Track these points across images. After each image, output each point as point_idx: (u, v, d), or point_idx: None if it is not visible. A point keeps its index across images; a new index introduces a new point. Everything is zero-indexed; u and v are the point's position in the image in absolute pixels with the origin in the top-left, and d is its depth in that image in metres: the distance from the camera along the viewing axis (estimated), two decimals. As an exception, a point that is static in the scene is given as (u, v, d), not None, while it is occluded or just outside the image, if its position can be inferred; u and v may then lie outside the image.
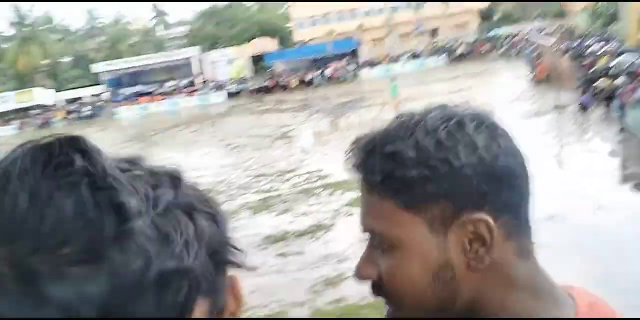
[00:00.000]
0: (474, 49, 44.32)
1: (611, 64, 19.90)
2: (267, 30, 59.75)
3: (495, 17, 54.72)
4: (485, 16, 57.64)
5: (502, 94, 22.88)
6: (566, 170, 11.98)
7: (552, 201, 9.59)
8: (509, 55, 39.55)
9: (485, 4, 55.12)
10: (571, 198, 9.81)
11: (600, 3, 38.19)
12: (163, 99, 48.55)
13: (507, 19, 57.57)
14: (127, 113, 47.78)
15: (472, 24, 55.09)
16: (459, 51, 44.58)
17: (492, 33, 50.31)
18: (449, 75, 34.27)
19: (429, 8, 54.89)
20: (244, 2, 79.83)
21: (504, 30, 50.37)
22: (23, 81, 63.90)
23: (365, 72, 45.29)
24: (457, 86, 27.95)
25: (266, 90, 46.16)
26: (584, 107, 16.70)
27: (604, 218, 8.57)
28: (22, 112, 51.93)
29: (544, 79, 23.33)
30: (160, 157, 21.36)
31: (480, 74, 32.11)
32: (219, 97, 46.65)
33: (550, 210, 8.95)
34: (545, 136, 14.43)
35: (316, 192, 12.21)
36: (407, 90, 30.70)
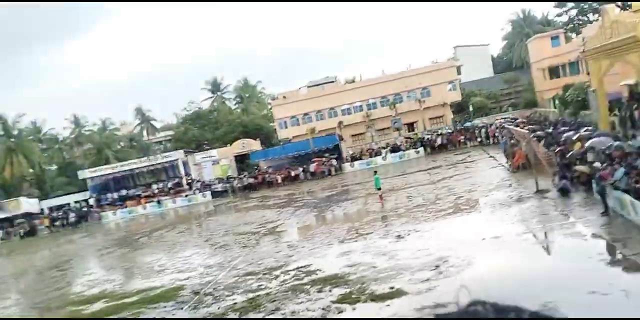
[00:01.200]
0: (451, 140, 45.61)
1: (586, 148, 20.56)
2: (250, 131, 61.34)
3: (469, 109, 56.91)
4: (459, 109, 60.00)
5: (482, 182, 23.30)
6: (553, 255, 12.00)
7: (542, 289, 9.53)
8: (486, 145, 40.70)
9: (459, 98, 57.60)
10: (563, 284, 9.76)
11: (569, 91, 40.03)
12: (149, 201, 48.50)
13: (480, 111, 59.88)
14: (113, 217, 47.45)
15: (447, 117, 57.17)
16: (437, 143, 45.79)
17: (467, 124, 52.06)
18: (429, 166, 34.97)
19: (405, 104, 57.21)
20: (227, 106, 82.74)
21: (479, 122, 52.22)
22: (8, 191, 63.80)
23: (347, 166, 46.06)
24: (438, 176, 28.46)
25: (252, 187, 46.48)
26: (564, 192, 17.00)
27: (598, 301, 8.48)
28: (7, 222, 51.30)
29: (521, 166, 23.95)
30: (145, 260, 21.00)
31: (459, 163, 32.86)
32: (205, 196, 46.78)
33: (544, 296, 8.86)
34: (527, 222, 14.58)
35: (305, 289, 11.97)
36: (391, 181, 31.21)
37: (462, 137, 45.20)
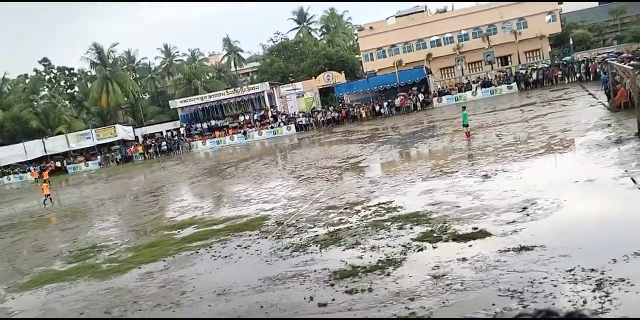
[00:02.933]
0: (548, 75, 42.98)
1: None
2: (335, 63, 60.61)
3: (569, 43, 53.02)
4: (558, 42, 56.07)
5: (578, 121, 21.94)
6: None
7: (637, 237, 8.96)
8: (585, 82, 38.10)
9: (558, 30, 53.63)
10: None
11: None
12: (236, 132, 49.91)
13: (581, 44, 55.68)
14: (202, 147, 49.42)
15: (545, 50, 53.68)
16: (532, 78, 43.34)
17: (566, 58, 48.73)
18: (522, 103, 33.33)
19: (499, 36, 54.12)
20: (313, 37, 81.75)
21: (579, 56, 48.70)
22: (105, 118, 67.64)
23: (435, 101, 44.84)
24: (531, 114, 27.09)
25: (335, 121, 46.52)
26: (670, 134, 15.72)
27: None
28: (104, 147, 54.80)
29: (623, 105, 22.23)
30: (232, 189, 21.80)
31: (555, 101, 31.04)
32: (290, 129, 47.46)
33: (638, 244, 8.35)
34: (626, 166, 13.62)
35: (385, 225, 11.96)
36: (480, 117, 30.14)
37: (560, 72, 42.48)
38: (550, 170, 14.97)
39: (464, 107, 24.69)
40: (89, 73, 75.38)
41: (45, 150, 54.82)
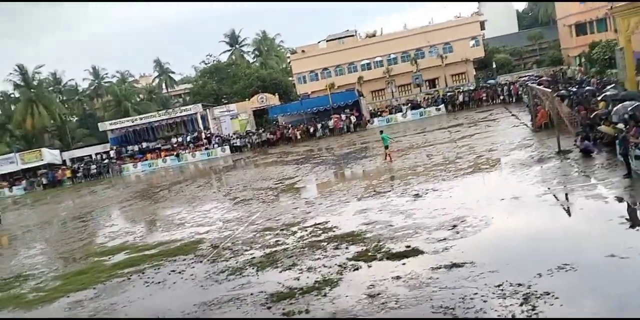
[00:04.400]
0: (474, 97, 44.84)
1: (610, 108, 20.13)
2: (269, 85, 60.87)
3: (492, 66, 55.68)
4: (482, 66, 58.74)
5: (503, 141, 23.01)
6: (573, 217, 11.90)
7: (563, 249, 9.49)
8: (508, 103, 40.04)
9: (482, 54, 56.28)
10: (581, 246, 9.71)
11: (595, 49, 38.97)
12: (169, 154, 48.94)
13: (503, 68, 58.59)
14: (133, 170, 48.09)
15: (470, 74, 56.09)
16: (458, 100, 45.08)
17: (490, 81, 51.10)
18: (450, 124, 34.58)
19: (426, 60, 56.13)
20: (246, 59, 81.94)
21: (502, 79, 51.19)
22: (30, 141, 64.78)
23: (366, 123, 45.75)
24: (459, 135, 28.15)
25: (270, 143, 46.55)
26: (587, 153, 16.73)
27: (616, 264, 8.43)
28: (30, 172, 52.31)
29: (544, 125, 23.55)
30: (165, 213, 21.34)
31: (481, 122, 32.42)
32: (224, 151, 47.05)
33: (561, 258, 8.84)
34: (548, 183, 14.41)
35: (322, 246, 12.09)
36: (410, 138, 30.99)
37: (485, 94, 44.37)
38: (478, 189, 15.61)
39: (381, 131, 25.42)
40: (12, 95, 72.18)
41: (-36, 175, 51.75)
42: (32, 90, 64.79)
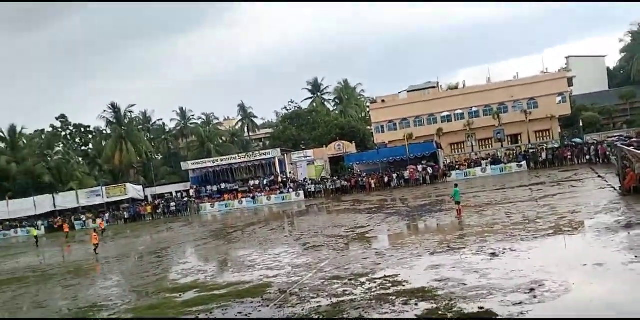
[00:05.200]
0: (558, 155, 43.36)
1: None
2: (346, 133, 61.64)
3: (579, 124, 53.82)
4: (568, 123, 56.96)
5: (587, 203, 21.94)
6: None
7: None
8: (595, 164, 38.35)
9: (568, 111, 54.65)
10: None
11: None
12: (245, 196, 50.11)
13: (591, 126, 56.51)
14: (210, 209, 49.48)
15: (555, 131, 54.45)
16: (541, 157, 43.71)
17: (576, 140, 49.34)
18: (531, 182, 33.45)
19: (509, 115, 55.16)
20: (326, 107, 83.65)
21: (589, 138, 49.32)
22: (117, 176, 68.32)
23: (444, 176, 45.07)
24: (540, 193, 27.13)
25: (344, 190, 46.69)
26: (680, 220, 15.66)
27: None
28: (113, 205, 54.99)
29: (633, 189, 22.29)
30: (237, 254, 21.66)
31: (564, 181, 31.15)
32: (298, 195, 47.62)
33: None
34: (636, 251, 13.50)
35: (390, 300, 11.79)
36: (489, 194, 30.19)
37: (570, 153, 42.83)
38: (558, 252, 14.85)
39: (455, 184, 24.92)
40: (104, 131, 76.99)
41: (55, 206, 55.14)
42: (123, 127, 68.87)
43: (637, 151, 22.63)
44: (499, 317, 9.80)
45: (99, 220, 47.55)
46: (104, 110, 69.40)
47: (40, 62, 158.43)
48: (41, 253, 33.65)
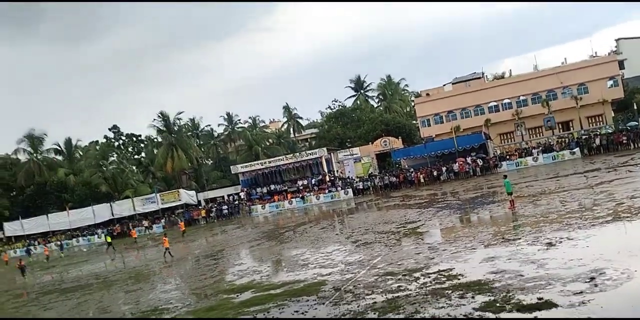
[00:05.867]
0: (613, 140, 41.89)
1: None
2: (392, 129, 61.26)
3: (634, 108, 51.72)
4: (622, 107, 54.92)
5: (648, 187, 21.15)
6: None
7: None
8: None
9: (621, 95, 52.69)
10: None
11: None
12: (294, 196, 50.53)
13: (646, 109, 54.34)
14: (261, 211, 50.13)
15: (608, 116, 52.65)
16: (595, 143, 42.33)
17: (631, 124, 47.54)
18: (586, 169, 32.48)
19: (559, 101, 53.68)
20: (370, 103, 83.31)
21: (645, 121, 47.48)
22: (170, 183, 70.00)
23: (494, 167, 44.24)
24: (596, 180, 26.32)
25: (393, 186, 46.44)
26: None
27: None
28: (168, 211, 56.42)
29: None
30: (290, 253, 21.88)
31: (620, 167, 30.09)
32: (347, 193, 47.65)
33: None
34: None
35: (446, 294, 11.70)
36: (542, 184, 29.46)
37: (625, 137, 41.29)
38: (618, 239, 14.38)
39: (505, 175, 24.41)
40: (155, 139, 78.98)
41: (113, 214, 57.05)
42: (173, 135, 70.47)
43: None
44: (559, 306, 9.59)
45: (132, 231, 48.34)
46: (154, 119, 71.17)
47: (90, 74, 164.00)
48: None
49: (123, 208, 57.47)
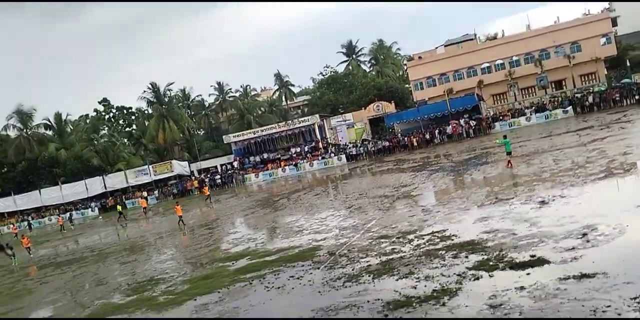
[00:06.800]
0: (605, 98, 41.71)
1: None
2: (385, 93, 60.80)
3: (626, 65, 51.36)
4: (615, 64, 54.52)
5: (638, 144, 21.08)
6: None
7: None
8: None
9: (614, 52, 52.23)
10: None
11: None
12: (288, 164, 50.45)
13: (639, 66, 53.98)
14: (255, 179, 50.10)
15: (601, 73, 52.30)
16: (588, 101, 42.16)
17: (624, 81, 47.29)
18: (579, 127, 32.41)
19: (552, 60, 53.19)
20: (362, 69, 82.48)
21: (637, 77, 47.18)
22: (162, 154, 69.72)
23: (487, 127, 44.13)
24: (589, 138, 26.27)
25: (386, 150, 46.38)
26: None
27: None
28: (161, 182, 56.32)
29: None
30: (284, 221, 21.90)
31: (613, 124, 30.01)
32: (340, 159, 47.60)
33: None
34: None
35: (440, 254, 11.72)
36: (535, 143, 29.42)
37: (618, 95, 41.14)
38: (611, 195, 14.39)
39: (504, 136, 24.34)
40: (146, 111, 78.25)
41: (105, 187, 56.91)
42: (163, 106, 69.76)
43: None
44: (552, 263, 9.60)
45: (140, 200, 47.75)
46: (144, 91, 70.28)
47: (77, 49, 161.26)
48: (95, 233, 34.90)
49: (115, 181, 57.30)
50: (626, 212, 11.99)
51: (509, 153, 22.91)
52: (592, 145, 23.46)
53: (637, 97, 39.51)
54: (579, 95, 45.05)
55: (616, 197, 14.02)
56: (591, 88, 48.06)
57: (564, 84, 53.81)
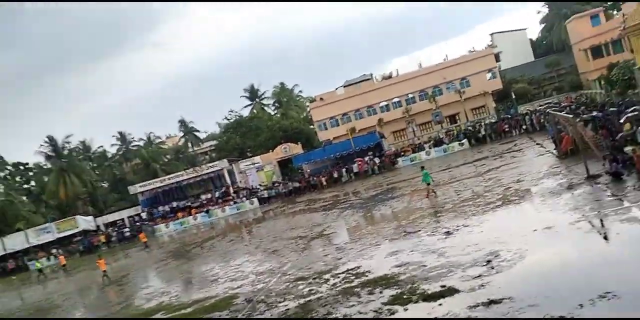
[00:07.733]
0: (496, 129, 44.66)
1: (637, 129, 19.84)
2: (291, 135, 61.61)
3: (512, 97, 55.46)
4: (501, 97, 58.63)
5: (530, 171, 22.72)
6: (611, 243, 11.55)
7: (603, 277, 9.19)
8: (532, 132, 39.69)
9: (500, 86, 56.32)
10: (622, 272, 9.38)
11: (614, 71, 38.71)
12: (199, 211, 49.35)
13: (523, 98, 58.44)
14: (165, 230, 48.49)
15: (490, 106, 56.01)
16: (481, 133, 44.93)
17: (511, 112, 50.96)
18: (475, 158, 34.35)
19: (445, 96, 56.35)
20: (266, 111, 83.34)
21: (523, 109, 51.05)
22: (64, 210, 65.99)
23: (390, 164, 45.70)
24: (485, 168, 27.91)
25: (297, 191, 46.69)
26: (617, 176, 16.39)
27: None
28: (66, 240, 53.10)
29: (569, 152, 23.26)
30: (199, 270, 21.35)
31: (505, 153, 32.15)
32: (253, 203, 47.27)
33: (602, 287, 8.56)
34: (581, 210, 14.10)
35: (355, 292, 11.91)
36: (436, 175, 30.79)
37: (507, 125, 44.20)
38: (509, 222, 15.34)
39: (422, 167, 25.31)
40: (44, 166, 74.20)
41: (5, 249, 52.84)
42: (63, 159, 66.45)
43: (568, 115, 23.58)
44: (461, 292, 10.04)
45: (60, 257, 44.74)
46: (41, 145, 66.76)
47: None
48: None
49: (15, 242, 53.34)
50: (525, 237, 12.83)
51: (428, 184, 23.64)
52: (488, 175, 24.95)
53: (524, 127, 42.56)
54: (471, 128, 47.85)
55: (514, 223, 14.96)
56: (482, 120, 51.23)
57: (457, 118, 56.99)
